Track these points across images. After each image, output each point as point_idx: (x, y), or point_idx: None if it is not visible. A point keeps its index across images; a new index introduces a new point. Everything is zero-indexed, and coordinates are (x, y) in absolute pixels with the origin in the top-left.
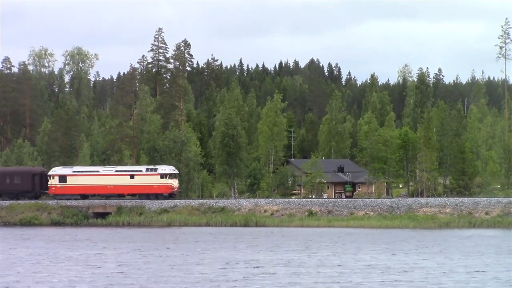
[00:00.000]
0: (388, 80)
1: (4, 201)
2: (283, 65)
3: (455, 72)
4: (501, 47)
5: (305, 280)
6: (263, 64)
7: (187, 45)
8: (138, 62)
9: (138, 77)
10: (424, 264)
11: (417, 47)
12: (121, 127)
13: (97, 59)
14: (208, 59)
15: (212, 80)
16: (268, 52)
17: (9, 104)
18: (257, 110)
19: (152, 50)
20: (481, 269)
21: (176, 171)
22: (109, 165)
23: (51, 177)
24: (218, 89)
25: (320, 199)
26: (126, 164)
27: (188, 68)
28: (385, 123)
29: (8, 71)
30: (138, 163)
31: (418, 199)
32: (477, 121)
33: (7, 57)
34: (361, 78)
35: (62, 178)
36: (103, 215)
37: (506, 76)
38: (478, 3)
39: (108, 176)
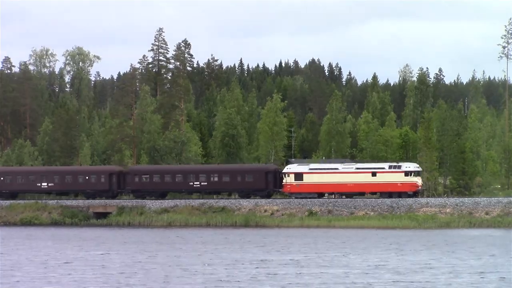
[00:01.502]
0: (388, 80)
1: (5, 201)
2: (284, 65)
3: (456, 72)
4: (504, 47)
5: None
6: (264, 64)
7: (187, 45)
8: (138, 62)
9: (138, 77)
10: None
11: (418, 47)
12: (122, 127)
13: (99, 59)
14: (208, 59)
15: (213, 80)
16: (268, 52)
17: (9, 104)
18: (258, 110)
19: (152, 50)
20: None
21: (420, 169)
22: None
23: (286, 175)
24: (218, 89)
25: (320, 199)
26: (127, 164)
27: (189, 68)
28: (386, 123)
29: (9, 71)
30: (138, 163)
31: (418, 199)
32: (477, 121)
33: (7, 57)
34: (361, 78)
35: (298, 176)
36: (104, 215)
37: (507, 76)
38: (479, 3)
39: (348, 174)
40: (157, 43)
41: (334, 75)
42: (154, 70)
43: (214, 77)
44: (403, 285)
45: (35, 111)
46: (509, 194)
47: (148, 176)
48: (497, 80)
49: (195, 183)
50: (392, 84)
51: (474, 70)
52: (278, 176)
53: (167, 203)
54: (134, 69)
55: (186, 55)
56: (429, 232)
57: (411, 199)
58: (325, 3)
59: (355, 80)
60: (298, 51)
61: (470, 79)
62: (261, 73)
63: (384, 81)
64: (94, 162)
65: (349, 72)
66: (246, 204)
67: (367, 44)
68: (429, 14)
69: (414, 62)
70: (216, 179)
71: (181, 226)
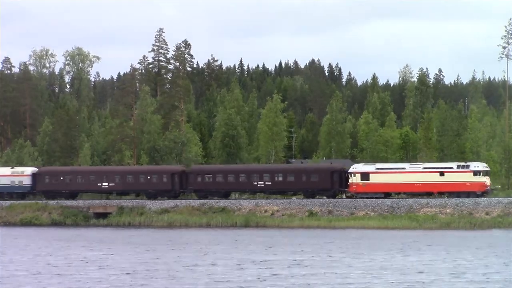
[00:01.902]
0: (388, 81)
1: (5, 202)
2: (284, 65)
3: (456, 72)
4: (504, 47)
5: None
6: (263, 64)
7: (187, 45)
8: (138, 63)
9: (138, 77)
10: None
11: (418, 47)
12: (122, 127)
13: (99, 59)
14: (208, 59)
15: (213, 80)
16: (268, 52)
17: (9, 104)
18: (258, 110)
19: (153, 50)
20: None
21: (488, 168)
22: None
23: (352, 175)
24: (218, 89)
25: (320, 199)
26: (127, 164)
27: (189, 69)
28: (386, 123)
29: (9, 71)
30: (138, 163)
31: (418, 199)
32: (477, 121)
33: (7, 57)
34: (361, 78)
35: (365, 176)
36: (104, 215)
37: (507, 76)
38: (479, 3)
39: (415, 174)
40: (157, 44)
41: (334, 75)
42: (154, 71)
43: (214, 78)
44: (407, 285)
45: (35, 112)
46: (509, 194)
47: (211, 176)
48: (497, 81)
49: (259, 183)
50: (392, 85)
51: (474, 71)
52: (344, 175)
53: (167, 203)
54: (134, 69)
55: (186, 55)
56: (430, 233)
57: (411, 199)
58: (325, 3)
59: (355, 80)
60: (298, 51)
61: (470, 79)
62: (261, 73)
63: (384, 82)
64: (94, 162)
65: (349, 73)
66: (246, 204)
67: (367, 44)
68: (429, 14)
69: (414, 63)
70: (280, 178)
71: (181, 226)
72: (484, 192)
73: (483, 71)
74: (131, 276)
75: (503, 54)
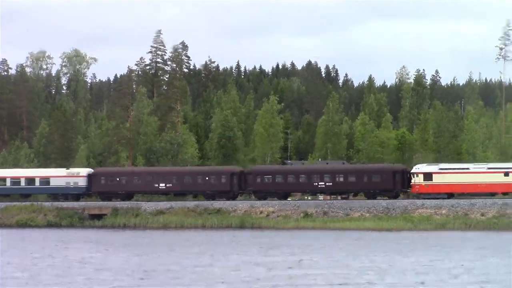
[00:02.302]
0: (385, 82)
1: (0, 203)
2: (281, 67)
3: (453, 73)
4: (501, 48)
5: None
6: (260, 66)
7: (184, 46)
8: (135, 64)
9: (135, 79)
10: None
11: (415, 48)
12: (118, 129)
13: (95, 61)
14: (205, 61)
15: (210, 81)
16: (265, 54)
17: (6, 106)
18: (254, 111)
19: (151, 52)
20: None
21: None
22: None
23: (415, 175)
24: (215, 90)
25: (316, 201)
26: (123, 166)
27: (186, 70)
28: (382, 124)
29: (5, 73)
30: (134, 164)
31: (413, 200)
32: (473, 122)
33: (4, 59)
34: (358, 79)
35: (428, 176)
36: (99, 216)
37: (503, 77)
38: (477, 4)
39: (479, 174)
40: (155, 45)
41: (331, 76)
42: (151, 72)
43: (211, 79)
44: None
45: (31, 113)
46: (504, 196)
47: (270, 176)
48: (494, 82)
49: (319, 183)
50: (388, 86)
51: (471, 72)
52: (406, 176)
53: (163, 204)
54: (131, 71)
55: (183, 57)
56: (425, 234)
57: (406, 200)
58: (322, 5)
59: (352, 81)
60: (295, 53)
61: (467, 80)
62: (258, 75)
63: (381, 83)
64: (90, 164)
65: (346, 74)
66: (242, 205)
67: (364, 45)
68: (427, 15)
69: (411, 64)
70: (341, 179)
71: (176, 228)
72: None
73: (480, 73)
74: (130, 277)
75: (500, 55)
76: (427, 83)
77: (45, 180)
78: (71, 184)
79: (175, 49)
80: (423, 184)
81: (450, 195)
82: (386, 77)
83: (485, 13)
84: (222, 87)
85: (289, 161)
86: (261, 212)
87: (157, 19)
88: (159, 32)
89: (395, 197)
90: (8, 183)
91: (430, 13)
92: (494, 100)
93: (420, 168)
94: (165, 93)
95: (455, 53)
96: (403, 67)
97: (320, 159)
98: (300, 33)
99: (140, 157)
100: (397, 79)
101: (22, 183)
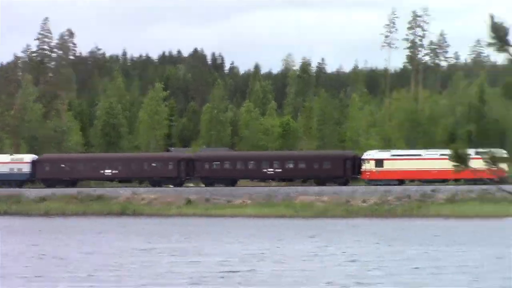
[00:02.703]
0: (271, 70)
1: None
2: (167, 54)
3: (340, 61)
4: (386, 36)
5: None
6: (147, 54)
7: (71, 34)
8: (22, 51)
9: (21, 66)
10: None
11: (301, 36)
12: (3, 116)
13: None
14: (92, 48)
15: (96, 69)
16: (152, 42)
17: None
18: (140, 99)
19: (38, 39)
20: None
21: (507, 155)
22: None
23: (366, 162)
24: (100, 78)
25: (198, 188)
26: (5, 153)
27: (72, 57)
28: (267, 112)
29: None
30: (18, 152)
31: (296, 187)
32: (358, 110)
33: None
34: (244, 67)
35: (379, 163)
36: None
37: (389, 64)
38: None
39: (431, 161)
40: (42, 32)
41: (217, 64)
42: (38, 59)
43: (97, 66)
44: (288, 273)
45: None
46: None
47: (219, 163)
48: (379, 70)
49: (268, 170)
50: (275, 74)
51: (356, 60)
52: (357, 162)
53: (45, 191)
54: (17, 58)
55: (69, 44)
56: (307, 221)
57: (288, 187)
58: None
59: (238, 69)
60: (181, 41)
61: (352, 68)
62: (144, 62)
63: (267, 71)
64: None
65: (232, 62)
66: (123, 192)
67: (250, 33)
68: (313, 3)
69: (297, 51)
70: (291, 166)
71: (58, 214)
72: (501, 180)
73: (366, 60)
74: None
75: (385, 43)
76: (313, 71)
77: None
78: (15, 170)
79: (62, 36)
80: (374, 170)
81: (401, 182)
82: (273, 65)
83: (369, 2)
84: (108, 75)
85: (172, 148)
86: (143, 199)
87: (44, 6)
88: (46, 19)
89: (345, 183)
90: None
91: (313, 2)
92: (379, 88)
93: (371, 154)
94: (50, 80)
95: (342, 42)
96: (289, 54)
97: (205, 146)
98: (187, 22)
99: (24, 144)
100: (283, 67)
101: None
